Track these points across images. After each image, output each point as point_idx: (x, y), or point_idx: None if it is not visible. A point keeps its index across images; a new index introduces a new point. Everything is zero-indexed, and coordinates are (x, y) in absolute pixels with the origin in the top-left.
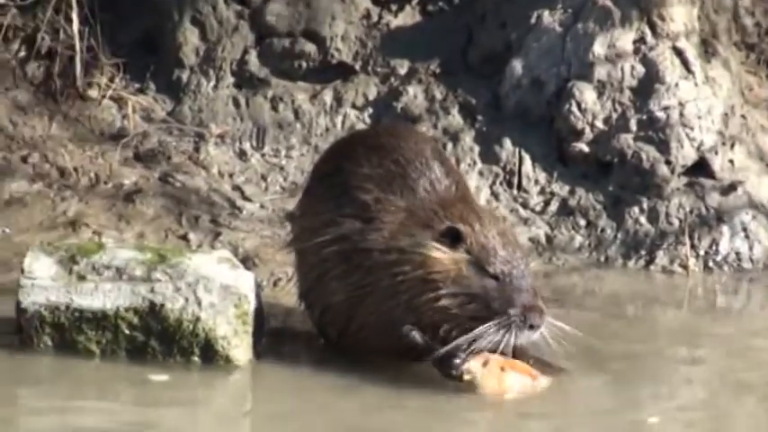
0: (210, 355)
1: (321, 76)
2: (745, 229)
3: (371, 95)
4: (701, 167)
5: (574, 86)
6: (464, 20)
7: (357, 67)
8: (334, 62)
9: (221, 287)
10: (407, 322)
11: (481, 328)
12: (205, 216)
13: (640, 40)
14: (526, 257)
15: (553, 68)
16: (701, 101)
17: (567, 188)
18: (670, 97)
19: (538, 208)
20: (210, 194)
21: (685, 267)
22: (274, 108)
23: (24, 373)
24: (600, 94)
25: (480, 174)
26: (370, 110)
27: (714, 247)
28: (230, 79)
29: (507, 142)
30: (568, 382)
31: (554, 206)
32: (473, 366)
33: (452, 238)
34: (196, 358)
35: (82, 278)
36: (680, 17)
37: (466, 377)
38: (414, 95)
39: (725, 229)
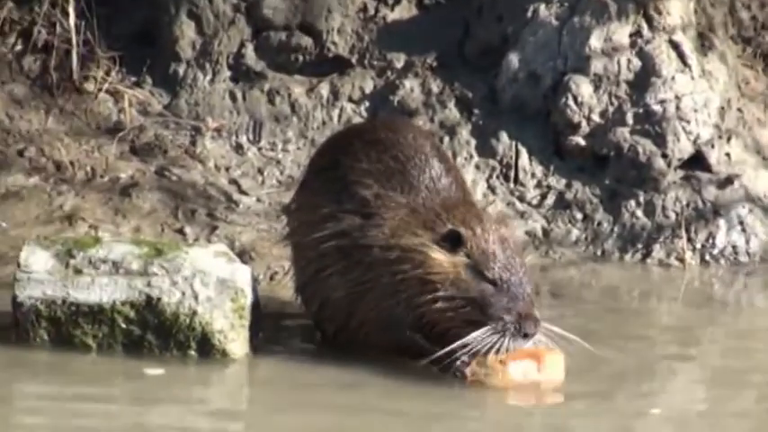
0: (207, 349)
1: (318, 69)
2: (741, 223)
3: (368, 89)
4: (697, 161)
5: (570, 80)
6: (461, 13)
7: (354, 60)
8: (331, 55)
9: (218, 281)
10: (407, 320)
11: (476, 333)
12: (202, 210)
13: (637, 34)
14: (525, 265)
15: (550, 62)
16: (697, 94)
17: (563, 182)
18: (666, 91)
19: (534, 201)
20: (207, 188)
21: (682, 261)
22: (271, 101)
23: (20, 368)
24: (596, 88)
25: (477, 167)
26: (367, 103)
27: (711, 241)
28: (227, 73)
29: (504, 136)
30: (566, 378)
31: (551, 200)
32: (475, 368)
33: (453, 242)
34: (193, 352)
35: (78, 272)
36: (676, 10)
37: (471, 379)
38: (410, 89)
39: (721, 222)
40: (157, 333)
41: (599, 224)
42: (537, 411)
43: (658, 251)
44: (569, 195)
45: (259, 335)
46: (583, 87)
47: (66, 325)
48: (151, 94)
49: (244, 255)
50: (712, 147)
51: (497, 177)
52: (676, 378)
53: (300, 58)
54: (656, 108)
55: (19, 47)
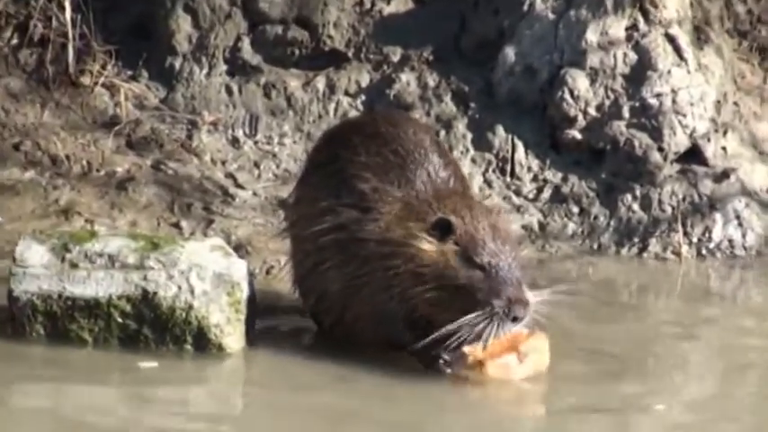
0: (203, 343)
1: (314, 63)
2: (737, 217)
3: (364, 83)
4: (693, 155)
5: (566, 74)
6: (457, 7)
7: (350, 54)
8: (327, 49)
9: (214, 275)
10: (401, 314)
11: (464, 318)
12: (198, 204)
13: (633, 28)
14: (516, 251)
15: (546, 56)
16: (693, 88)
17: (559, 175)
18: (663, 84)
19: (531, 195)
20: (203, 182)
21: (678, 255)
22: (267, 95)
23: (17, 363)
24: (592, 82)
25: (473, 161)
26: (363, 97)
27: (707, 235)
28: (223, 66)
29: (500, 129)
30: (564, 373)
31: (547, 193)
32: (456, 370)
33: (442, 230)
34: (189, 346)
35: (74, 266)
36: (672, 4)
37: (455, 374)
38: (406, 83)
39: (717, 216)
40: (153, 327)
41: (595, 218)
42: (537, 404)
43: (655, 245)
44: (566, 189)
45: (255, 329)
46: (579, 81)
47: (62, 319)
48: (147, 88)
49: (240, 249)
50: (708, 140)
51: (494, 171)
52: (672, 372)
53: (297, 51)
54: (653, 102)
55: (15, 40)
